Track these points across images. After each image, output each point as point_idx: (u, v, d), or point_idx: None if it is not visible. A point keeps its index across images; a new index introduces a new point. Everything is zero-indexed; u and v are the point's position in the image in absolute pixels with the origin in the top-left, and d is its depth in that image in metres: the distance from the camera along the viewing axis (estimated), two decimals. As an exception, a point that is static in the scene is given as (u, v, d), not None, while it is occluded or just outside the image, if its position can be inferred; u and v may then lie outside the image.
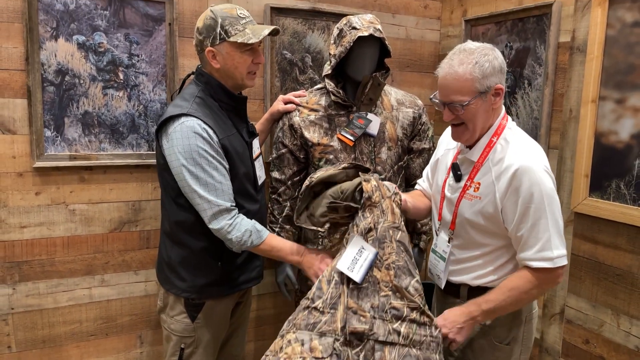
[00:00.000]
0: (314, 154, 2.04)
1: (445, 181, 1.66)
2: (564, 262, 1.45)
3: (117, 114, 2.12)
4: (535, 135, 2.22)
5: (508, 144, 1.51)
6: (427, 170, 1.86)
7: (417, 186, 1.91)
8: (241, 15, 1.66)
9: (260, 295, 2.52)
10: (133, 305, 2.27)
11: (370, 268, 1.43)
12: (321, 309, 1.42)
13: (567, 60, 2.11)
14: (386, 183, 1.58)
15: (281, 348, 1.37)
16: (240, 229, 1.63)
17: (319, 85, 2.15)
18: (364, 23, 1.93)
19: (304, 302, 1.46)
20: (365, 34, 1.88)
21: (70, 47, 2.00)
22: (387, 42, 1.96)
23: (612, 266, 1.98)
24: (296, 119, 2.05)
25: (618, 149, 1.92)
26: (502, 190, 1.46)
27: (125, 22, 2.07)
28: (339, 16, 2.40)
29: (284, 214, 2.13)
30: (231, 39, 1.63)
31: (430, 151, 2.20)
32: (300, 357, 1.33)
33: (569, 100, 2.12)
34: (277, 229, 2.15)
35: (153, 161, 2.16)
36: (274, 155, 2.12)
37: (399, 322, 1.43)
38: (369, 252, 1.44)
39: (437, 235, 1.71)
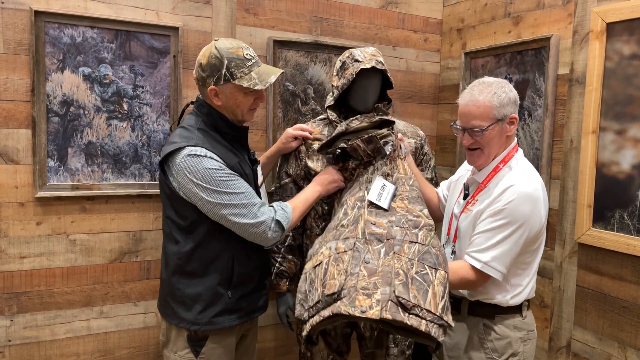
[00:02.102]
0: (316, 183, 2.04)
1: (457, 199, 1.79)
2: (491, 272, 1.56)
3: (121, 144, 2.13)
4: (536, 166, 2.22)
5: (511, 170, 1.64)
6: (447, 182, 2.00)
7: (437, 188, 2.07)
8: (247, 57, 1.66)
9: (261, 328, 2.48)
10: (132, 337, 2.24)
11: (393, 199, 1.69)
12: (346, 225, 1.63)
13: (567, 91, 2.14)
14: (402, 146, 1.92)
15: (317, 259, 1.55)
16: (277, 208, 1.72)
17: (321, 116, 2.17)
18: (367, 55, 1.95)
19: (333, 224, 1.69)
20: (368, 66, 1.90)
21: (76, 79, 2.03)
22: (389, 74, 1.99)
23: (617, 298, 1.95)
24: (302, 147, 2.06)
25: (620, 180, 1.92)
26: (488, 202, 1.59)
27: (130, 54, 2.11)
28: (340, 49, 2.44)
29: (286, 243, 2.11)
30: (236, 82, 1.64)
31: (432, 181, 2.20)
32: (327, 257, 1.50)
33: (569, 131, 2.13)
34: (279, 259, 2.13)
35: (155, 191, 2.16)
36: (277, 184, 2.12)
37: (417, 229, 1.59)
38: (390, 187, 1.73)
39: (444, 248, 1.81)
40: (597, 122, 1.99)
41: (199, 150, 1.61)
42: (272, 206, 1.74)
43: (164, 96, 2.19)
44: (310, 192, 1.84)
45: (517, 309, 1.65)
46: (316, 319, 1.39)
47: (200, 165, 1.59)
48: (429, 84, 2.83)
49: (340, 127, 1.88)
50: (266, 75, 1.68)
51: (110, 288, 2.18)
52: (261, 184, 1.87)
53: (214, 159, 1.61)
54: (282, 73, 1.76)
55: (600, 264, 2.01)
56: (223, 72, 1.63)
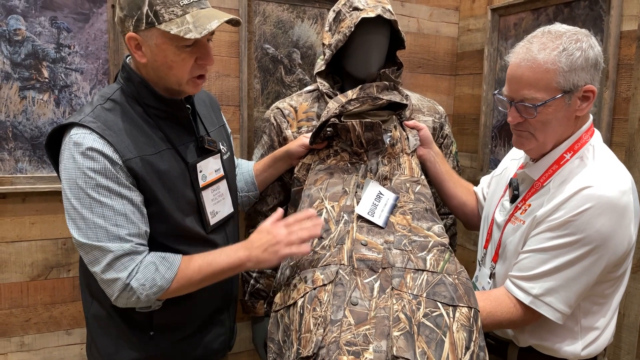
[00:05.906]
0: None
1: (499, 200, 1.30)
2: (544, 311, 1.11)
3: (41, 124, 1.60)
4: (589, 152, 1.72)
5: (584, 165, 1.13)
6: (488, 177, 1.52)
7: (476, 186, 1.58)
8: None
9: (234, 355, 1.99)
10: (65, 374, 1.74)
11: (392, 212, 1.30)
12: (327, 247, 1.22)
13: (634, 54, 1.62)
14: (410, 137, 1.48)
15: (289, 296, 1.19)
16: (147, 265, 1.11)
17: (310, 87, 1.66)
18: (369, 2, 1.44)
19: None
20: (372, 14, 1.39)
21: (-26, 34, 1.50)
22: (399, 28, 1.47)
23: None
24: (287, 132, 1.55)
25: None
26: (549, 208, 1.11)
27: (51, 2, 1.57)
28: (334, 2, 1.91)
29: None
30: (162, 27, 1.07)
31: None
32: (303, 296, 1.13)
33: (637, 107, 1.62)
34: (254, 274, 1.66)
35: (90, 186, 1.65)
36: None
37: (424, 251, 1.20)
38: (389, 197, 1.32)
39: (479, 266, 1.39)
40: (682, 93, 1.48)
41: (81, 136, 1.08)
42: (146, 257, 1.12)
43: (101, 60, 1.65)
44: (226, 255, 1.16)
45: None
46: None
47: (72, 162, 1.08)
48: (444, 50, 2.29)
49: (333, 108, 1.37)
50: (206, 19, 1.09)
51: (34, 313, 1.67)
52: (210, 184, 1.28)
53: (98, 151, 1.07)
54: (236, 21, 1.14)
55: (680, 284, 1.52)
56: (145, 11, 1.07)
